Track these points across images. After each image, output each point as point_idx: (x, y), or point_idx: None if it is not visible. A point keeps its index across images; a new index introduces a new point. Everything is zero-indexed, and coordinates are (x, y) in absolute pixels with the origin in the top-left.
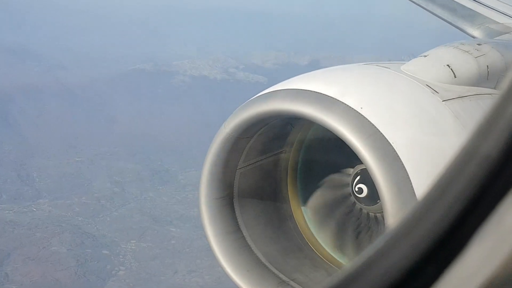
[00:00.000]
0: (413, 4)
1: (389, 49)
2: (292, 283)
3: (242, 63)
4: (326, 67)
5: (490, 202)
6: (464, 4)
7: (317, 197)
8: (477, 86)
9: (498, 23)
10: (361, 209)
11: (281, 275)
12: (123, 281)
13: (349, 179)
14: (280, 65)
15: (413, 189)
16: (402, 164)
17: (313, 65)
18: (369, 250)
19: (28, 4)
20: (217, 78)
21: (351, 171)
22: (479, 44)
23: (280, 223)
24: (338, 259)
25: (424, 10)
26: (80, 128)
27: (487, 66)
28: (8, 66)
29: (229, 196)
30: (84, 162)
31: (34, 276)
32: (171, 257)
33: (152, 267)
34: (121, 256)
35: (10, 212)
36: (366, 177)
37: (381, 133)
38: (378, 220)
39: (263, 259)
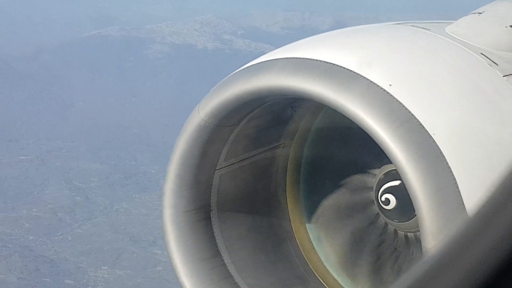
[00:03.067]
0: None
1: (433, 6)
2: None
3: (241, 27)
4: None
5: None
6: None
7: (327, 209)
8: None
9: None
10: (387, 224)
11: None
12: None
13: (373, 184)
14: (292, 29)
15: (461, 199)
16: (447, 163)
17: (340, 28)
18: (403, 283)
19: None
20: (207, 47)
21: (376, 173)
22: None
23: (276, 245)
24: None
25: None
26: (24, 115)
27: None
28: None
29: (204, 209)
30: (32, 162)
31: None
32: (161, 287)
33: None
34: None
35: None
36: (396, 184)
37: (418, 121)
38: (410, 241)
39: None
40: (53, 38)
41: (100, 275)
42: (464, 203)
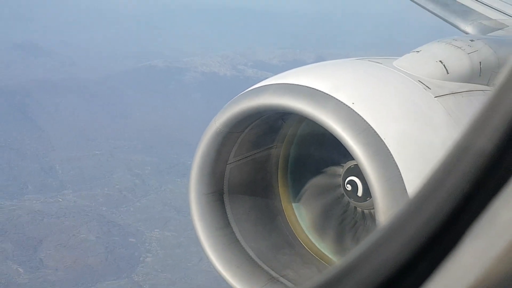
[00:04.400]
0: (409, 1)
1: (385, 44)
2: (282, 279)
3: (250, 60)
4: None
5: (485, 198)
6: (457, 0)
7: (309, 193)
8: (470, 83)
9: (491, 19)
10: (349, 203)
11: (271, 272)
12: (151, 267)
13: (341, 175)
14: (286, 61)
15: (404, 186)
16: (394, 160)
17: (319, 60)
18: (360, 247)
19: (35, 2)
20: (226, 74)
21: (342, 167)
22: (472, 40)
23: (270, 219)
24: (329, 255)
25: (418, 6)
26: (97, 122)
27: (480, 62)
28: (22, 62)
29: (219, 192)
30: (103, 155)
31: (67, 262)
32: (195, 245)
33: (177, 254)
34: (147, 244)
35: (37, 202)
36: (358, 173)
37: (373, 129)
38: (366, 216)
39: (253, 255)
40: (116, 67)
41: (154, 235)
42: (406, 189)
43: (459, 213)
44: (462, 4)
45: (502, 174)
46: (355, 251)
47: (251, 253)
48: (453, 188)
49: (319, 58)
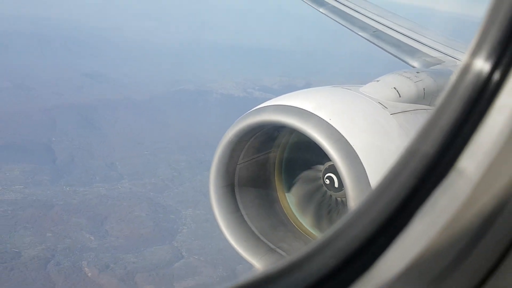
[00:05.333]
0: (371, 44)
1: (355, 75)
2: (278, 250)
3: (257, 85)
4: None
5: (428, 189)
6: (406, 42)
7: (297, 186)
8: (416, 103)
9: (432, 57)
10: (330, 195)
11: (270, 244)
12: (186, 236)
13: (321, 172)
14: (284, 87)
15: (368, 180)
16: (360, 161)
17: (307, 86)
18: (337, 225)
19: (98, 40)
20: (239, 96)
21: (322, 166)
22: (417, 72)
23: (269, 205)
24: (313, 232)
25: (378, 48)
26: (145, 130)
27: (424, 88)
28: (90, 86)
29: (231, 185)
30: (150, 155)
31: (125, 232)
32: None
33: (205, 227)
34: (183, 219)
35: (103, 189)
36: (334, 171)
37: (345, 138)
38: (340, 203)
39: (256, 232)
40: (159, 90)
41: (188, 213)
42: (370, 183)
43: (409, 200)
44: (411, 46)
45: (441, 171)
46: (333, 228)
47: (255, 231)
48: (405, 181)
49: (307, 85)
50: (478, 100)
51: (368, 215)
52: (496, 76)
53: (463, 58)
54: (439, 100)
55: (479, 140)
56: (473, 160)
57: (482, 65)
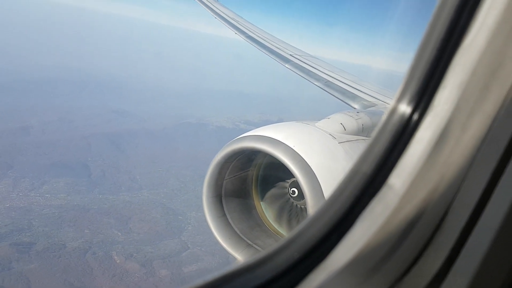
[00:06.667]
0: (324, 91)
1: (313, 113)
2: (255, 246)
3: (242, 120)
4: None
5: (367, 199)
6: (349, 90)
7: (269, 196)
8: (357, 135)
9: (368, 101)
10: (294, 203)
11: (248, 241)
12: (191, 232)
13: (287, 185)
14: (262, 120)
15: (322, 192)
16: (316, 178)
17: (279, 121)
18: (299, 227)
19: (124, 84)
20: (229, 127)
21: (288, 181)
22: (358, 112)
23: (248, 211)
24: (281, 231)
25: (329, 94)
26: (159, 152)
27: (362, 124)
28: (116, 120)
29: (219, 195)
30: (163, 171)
31: (144, 229)
32: None
33: (205, 226)
34: (188, 219)
35: (127, 196)
36: (296, 185)
37: (305, 161)
38: (303, 209)
39: (238, 232)
40: (168, 122)
41: (192, 215)
42: (324, 194)
43: (353, 208)
44: (353, 93)
45: (376, 186)
46: (296, 229)
47: (237, 231)
48: (350, 193)
49: (280, 119)
50: (403, 134)
51: (322, 219)
52: (415, 116)
53: (391, 102)
54: (374, 133)
55: (404, 163)
56: (400, 178)
57: (405, 108)
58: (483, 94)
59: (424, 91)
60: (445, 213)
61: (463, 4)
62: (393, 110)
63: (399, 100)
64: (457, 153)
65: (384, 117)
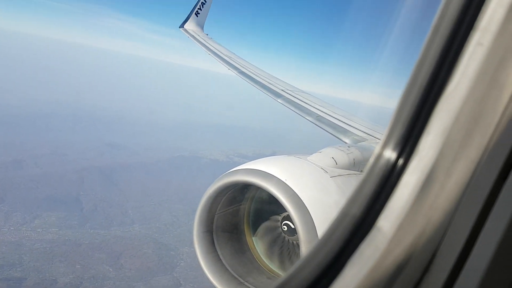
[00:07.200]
0: (315, 125)
1: (304, 147)
2: (246, 283)
3: (236, 153)
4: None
5: (357, 242)
6: (340, 125)
7: (261, 231)
8: (349, 169)
9: (359, 135)
10: (286, 238)
11: (240, 279)
12: (184, 268)
13: (279, 220)
14: (256, 154)
15: (315, 227)
16: (309, 212)
17: (272, 154)
18: (291, 269)
19: (117, 118)
20: (223, 160)
21: (280, 216)
22: (349, 147)
23: (240, 247)
24: (273, 268)
25: (321, 128)
26: (152, 186)
27: (354, 158)
28: (110, 153)
29: (210, 231)
30: (156, 205)
31: (136, 265)
32: None
33: (198, 262)
34: (180, 255)
35: (119, 231)
36: (289, 219)
37: (297, 194)
38: (295, 246)
39: (229, 269)
40: (162, 155)
41: (184, 250)
42: (317, 230)
43: (343, 250)
44: (344, 128)
45: (366, 228)
46: (288, 271)
47: (228, 267)
48: (340, 236)
49: (273, 153)
50: (390, 177)
51: (313, 262)
52: (401, 160)
53: (378, 145)
54: (362, 175)
55: (391, 206)
56: (388, 221)
57: (391, 152)
58: (466, 140)
59: (409, 136)
60: (433, 256)
61: (444, 55)
62: (380, 154)
63: (385, 144)
64: (442, 197)
65: (371, 160)
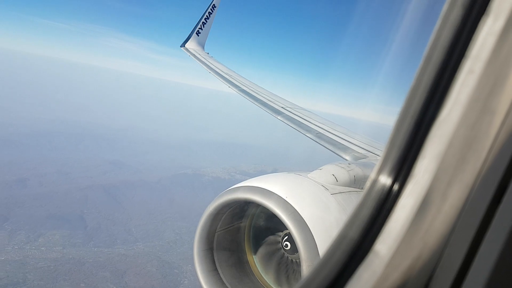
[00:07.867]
0: (316, 142)
1: (305, 163)
2: None
3: (238, 171)
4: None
5: (355, 264)
6: (340, 142)
7: (261, 249)
8: (349, 186)
9: (359, 152)
10: (287, 256)
11: None
12: (187, 286)
13: (280, 238)
14: (257, 171)
15: (316, 245)
16: (309, 229)
17: (274, 171)
18: (298, 284)
19: (120, 137)
20: (225, 178)
21: (280, 233)
22: (349, 164)
23: (240, 265)
24: (274, 287)
25: (321, 146)
26: (155, 204)
27: (354, 175)
28: (112, 171)
29: (210, 249)
30: (159, 222)
31: (140, 283)
32: None
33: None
34: (184, 273)
35: (122, 249)
36: (290, 238)
37: (298, 212)
38: (296, 264)
39: (229, 286)
40: (165, 173)
41: (188, 268)
42: (318, 249)
43: (341, 274)
44: (344, 145)
45: (364, 251)
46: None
47: (229, 286)
48: (340, 257)
49: (274, 170)
50: (386, 200)
51: (312, 285)
52: (397, 184)
53: (376, 167)
54: (358, 202)
55: (388, 230)
56: (385, 244)
57: (388, 176)
58: (461, 164)
59: (405, 160)
60: (429, 279)
61: (437, 82)
62: (376, 178)
63: (381, 168)
64: (438, 221)
65: (368, 184)
